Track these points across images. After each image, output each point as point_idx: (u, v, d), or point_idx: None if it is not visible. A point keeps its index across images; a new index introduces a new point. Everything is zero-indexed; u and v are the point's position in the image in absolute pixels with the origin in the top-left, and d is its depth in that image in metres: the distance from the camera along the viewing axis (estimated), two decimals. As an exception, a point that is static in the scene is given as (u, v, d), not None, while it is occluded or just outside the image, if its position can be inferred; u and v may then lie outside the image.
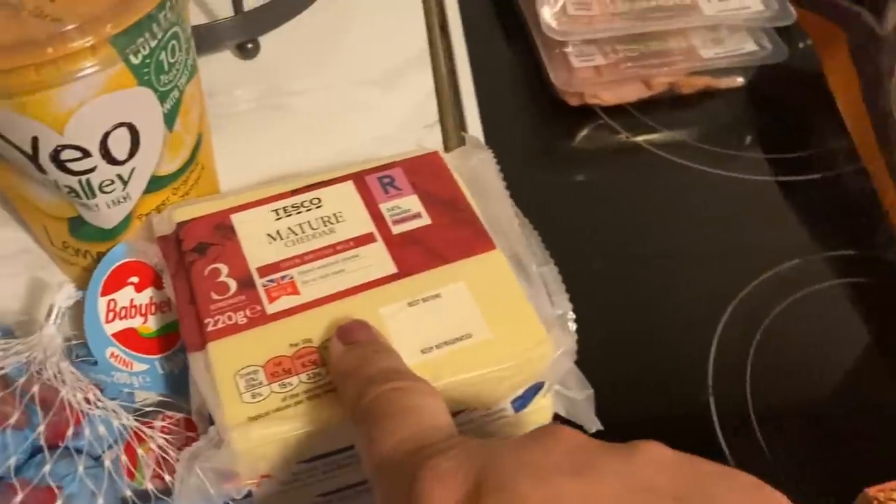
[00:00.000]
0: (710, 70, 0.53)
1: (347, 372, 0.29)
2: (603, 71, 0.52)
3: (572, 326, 0.36)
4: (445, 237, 0.35)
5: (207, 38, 0.49)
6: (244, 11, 0.49)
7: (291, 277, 0.34)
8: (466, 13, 0.58)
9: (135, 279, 0.36)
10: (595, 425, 0.35)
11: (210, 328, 0.32)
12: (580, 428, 0.34)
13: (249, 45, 0.50)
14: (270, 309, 0.33)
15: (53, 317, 0.30)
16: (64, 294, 0.31)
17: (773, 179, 0.51)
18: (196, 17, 0.50)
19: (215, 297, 0.33)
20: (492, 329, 0.33)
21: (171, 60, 0.32)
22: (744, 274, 0.46)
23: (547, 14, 0.51)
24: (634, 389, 0.41)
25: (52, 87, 0.29)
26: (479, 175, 0.39)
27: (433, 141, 0.47)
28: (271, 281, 0.34)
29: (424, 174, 0.38)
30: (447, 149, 0.47)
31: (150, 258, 0.36)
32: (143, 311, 0.36)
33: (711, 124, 0.54)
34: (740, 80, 0.55)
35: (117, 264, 0.36)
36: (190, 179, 0.37)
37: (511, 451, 0.23)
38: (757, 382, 0.42)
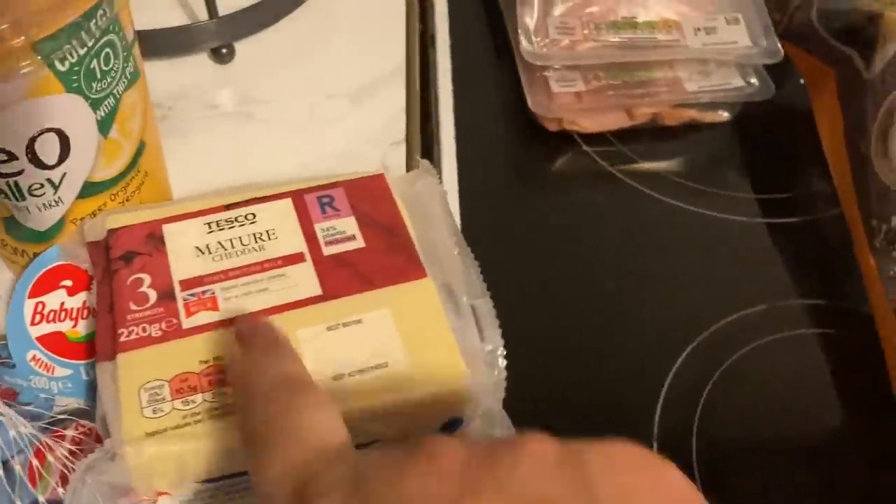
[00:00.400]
0: (695, 103, 0.52)
1: (238, 380, 0.29)
2: (584, 97, 0.51)
3: (502, 363, 0.35)
4: (377, 262, 0.35)
5: (182, 40, 0.49)
6: (221, 15, 0.49)
7: (213, 293, 0.33)
8: (456, 28, 0.58)
9: (68, 283, 0.36)
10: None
11: (123, 338, 0.32)
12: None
13: (224, 50, 0.50)
14: (186, 323, 0.32)
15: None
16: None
17: (751, 220, 0.49)
18: (174, 19, 0.50)
19: (133, 307, 0.33)
20: (410, 359, 0.32)
21: (105, 68, 0.32)
22: (707, 316, 0.44)
23: (526, 37, 0.50)
24: (574, 429, 0.40)
25: (-27, 89, 0.29)
26: (422, 200, 0.38)
27: (398, 159, 0.46)
28: (192, 295, 0.33)
29: (366, 196, 0.37)
30: (409, 167, 0.46)
31: (83, 262, 0.36)
32: (74, 315, 0.36)
33: (692, 159, 0.52)
34: (726, 115, 0.53)
35: (49, 267, 0.36)
36: (130, 186, 0.37)
37: (390, 481, 0.22)
38: (705, 429, 0.40)
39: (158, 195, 0.40)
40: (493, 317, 0.35)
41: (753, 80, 0.51)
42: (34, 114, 0.31)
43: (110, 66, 0.33)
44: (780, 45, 0.50)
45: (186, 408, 0.30)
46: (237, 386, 0.29)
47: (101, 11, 0.31)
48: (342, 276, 0.34)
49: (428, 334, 0.33)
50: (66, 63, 0.30)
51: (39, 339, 0.35)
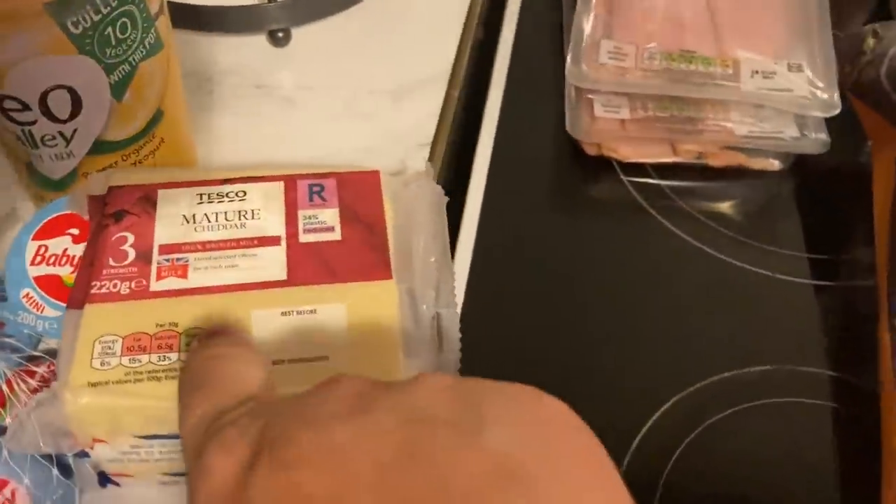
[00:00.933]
0: (744, 147, 0.50)
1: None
2: (627, 125, 0.50)
3: (455, 373, 0.35)
4: (347, 257, 0.35)
5: (242, 20, 0.51)
6: (284, 0, 0.51)
7: (186, 261, 0.35)
8: (521, 39, 0.58)
9: (74, 231, 0.39)
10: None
11: (94, 290, 0.34)
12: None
13: (281, 34, 0.52)
14: (154, 286, 0.34)
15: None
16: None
17: (780, 277, 0.47)
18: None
19: (111, 263, 0.35)
20: (350, 358, 0.32)
21: (121, 36, 0.34)
22: (703, 368, 0.43)
23: (574, 57, 0.49)
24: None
25: (-10, 41, 0.32)
26: (411, 204, 0.38)
27: (419, 161, 0.47)
28: (167, 260, 0.35)
29: (355, 191, 0.38)
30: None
31: (87, 214, 0.38)
32: (75, 263, 0.38)
33: (733, 205, 0.50)
34: (776, 164, 0.51)
35: (57, 214, 0.38)
36: (143, 150, 0.39)
37: (290, 406, 0.23)
38: (672, 482, 0.39)
39: (178, 162, 0.42)
40: (456, 327, 0.35)
41: (810, 132, 0.49)
42: (47, 70, 0.33)
43: (127, 34, 0.34)
44: (838, 99, 0.47)
45: (131, 366, 0.32)
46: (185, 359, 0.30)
47: (117, -19, 0.33)
48: (310, 266, 0.35)
49: (376, 337, 0.33)
50: (80, 27, 0.32)
51: (36, 278, 0.38)
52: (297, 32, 0.52)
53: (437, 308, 0.36)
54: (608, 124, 0.50)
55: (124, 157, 0.39)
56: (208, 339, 0.29)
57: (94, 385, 0.31)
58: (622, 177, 0.51)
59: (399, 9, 0.55)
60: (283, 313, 0.34)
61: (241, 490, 0.21)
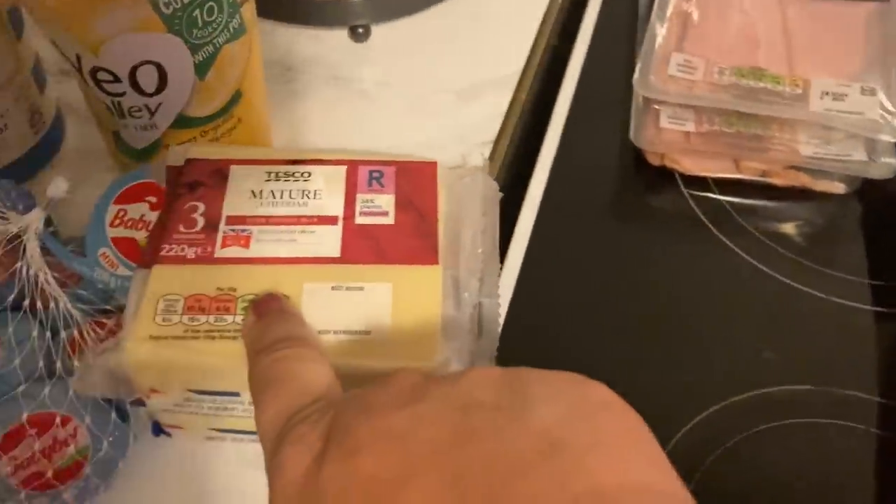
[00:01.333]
0: (809, 168, 0.50)
1: (249, 343, 0.32)
2: (692, 138, 0.50)
3: (492, 360, 0.36)
4: (398, 240, 0.37)
5: (326, 14, 0.54)
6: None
7: (249, 233, 0.37)
8: (596, 45, 0.59)
9: (152, 198, 0.42)
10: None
11: (163, 252, 0.36)
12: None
13: (361, 30, 0.54)
14: (219, 253, 0.36)
15: (43, 204, 0.36)
16: (54, 186, 0.36)
17: (836, 300, 0.46)
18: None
19: (182, 228, 0.37)
20: (392, 334, 0.34)
21: (207, 19, 0.37)
22: (741, 384, 0.43)
23: (643, 67, 0.50)
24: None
25: (91, 16, 0.34)
26: (464, 195, 0.40)
27: (479, 157, 0.48)
28: (232, 230, 0.37)
29: (413, 179, 0.40)
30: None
31: (165, 183, 0.41)
32: (150, 228, 0.41)
33: (793, 226, 0.50)
34: (841, 187, 0.50)
35: (138, 181, 0.41)
36: (221, 128, 0.42)
37: (354, 400, 0.26)
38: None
39: (252, 142, 0.45)
40: (496, 317, 0.37)
41: (879, 157, 0.48)
42: (138, 45, 0.36)
43: (213, 17, 0.37)
44: (910, 126, 0.46)
45: (191, 324, 0.34)
46: (247, 345, 0.33)
47: (208, -32, 0.35)
48: (362, 246, 0.37)
49: (417, 316, 0.35)
50: (171, 7, 0.35)
51: (114, 239, 0.40)
52: (377, 29, 0.55)
53: (479, 297, 0.37)
54: (673, 136, 0.50)
55: (203, 133, 0.42)
56: (277, 341, 0.31)
57: (154, 338, 0.33)
58: (683, 189, 0.51)
59: (477, 10, 0.57)
60: (333, 287, 0.35)
61: (313, 480, 0.23)
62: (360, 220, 0.38)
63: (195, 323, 0.34)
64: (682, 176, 0.51)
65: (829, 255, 0.48)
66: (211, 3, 0.37)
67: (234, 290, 0.35)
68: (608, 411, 0.24)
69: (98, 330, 0.37)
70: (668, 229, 0.50)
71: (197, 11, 0.36)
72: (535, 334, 0.44)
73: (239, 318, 0.34)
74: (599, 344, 0.45)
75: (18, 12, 0.43)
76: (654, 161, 0.51)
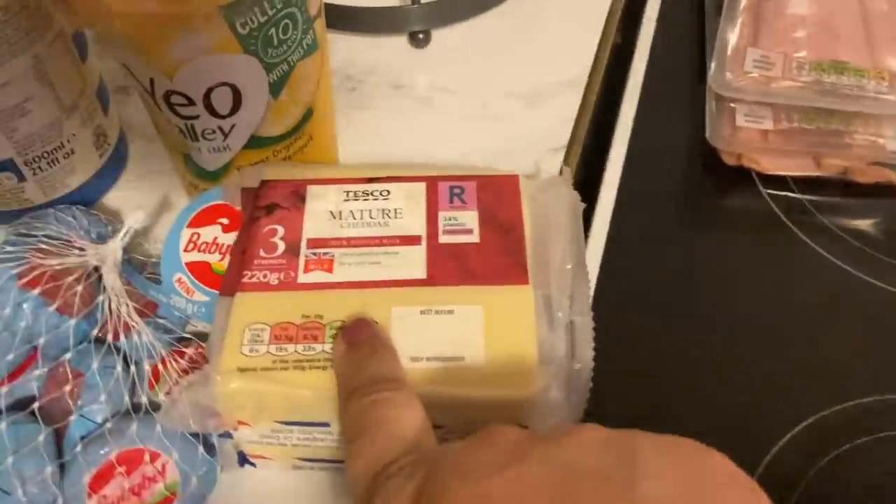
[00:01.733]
0: (894, 164, 0.48)
1: (341, 375, 0.32)
2: (770, 137, 0.49)
3: (587, 384, 0.35)
4: (485, 259, 0.36)
5: (385, 21, 0.52)
6: (425, 2, 0.52)
7: (332, 256, 0.36)
8: (659, 43, 0.57)
9: (224, 220, 0.41)
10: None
11: (245, 279, 0.35)
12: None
13: (421, 35, 0.52)
14: (302, 279, 0.35)
15: (121, 234, 0.35)
16: (134, 218, 0.35)
17: (930, 303, 0.44)
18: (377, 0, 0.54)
19: (262, 253, 0.36)
20: (486, 359, 0.33)
21: (283, 37, 0.36)
22: (832, 395, 0.41)
23: (718, 65, 0.48)
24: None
25: (166, 40, 0.33)
26: (548, 210, 0.38)
27: (552, 165, 0.47)
28: (314, 254, 0.36)
29: (495, 194, 0.38)
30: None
31: (239, 205, 0.40)
32: (224, 251, 0.40)
33: (877, 224, 0.48)
34: (930, 184, 0.48)
35: (210, 204, 0.40)
36: (293, 146, 0.41)
37: (448, 457, 0.25)
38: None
39: (322, 158, 0.44)
40: (589, 337, 0.35)
41: (970, 153, 0.46)
42: (213, 68, 0.35)
43: (288, 35, 0.36)
44: None
45: (278, 354, 0.33)
46: (339, 379, 0.32)
47: (284, -15, 0.34)
48: (449, 266, 0.36)
49: (512, 340, 0.33)
50: (247, 28, 0.34)
51: (188, 264, 0.40)
52: (436, 34, 0.53)
53: (571, 315, 0.36)
54: (750, 134, 0.48)
55: (276, 153, 0.40)
56: (371, 381, 0.30)
57: (242, 370, 0.33)
58: (761, 188, 0.49)
59: (537, 12, 0.55)
60: (422, 312, 0.34)
61: None
62: (443, 238, 0.37)
63: (283, 353, 0.33)
64: (760, 175, 0.50)
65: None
66: (286, 21, 0.35)
67: (321, 316, 0.34)
68: (733, 487, 0.22)
69: (179, 359, 0.36)
70: (748, 230, 0.48)
71: (273, 30, 0.35)
72: (614, 341, 0.42)
73: (328, 347, 0.33)
74: (681, 352, 0.43)
75: (82, 33, 0.42)
76: (730, 161, 0.50)
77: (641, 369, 0.42)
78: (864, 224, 0.48)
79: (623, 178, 0.49)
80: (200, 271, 0.40)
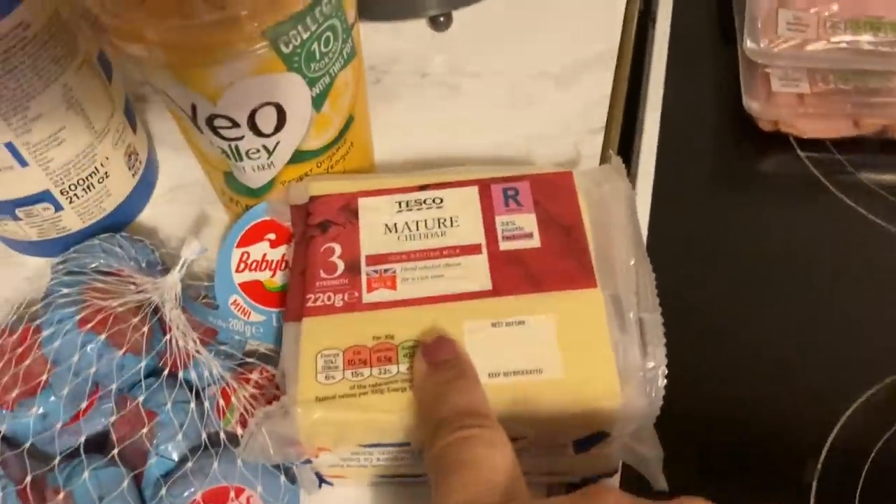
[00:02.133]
0: (935, 119, 0.47)
1: (424, 402, 0.31)
2: (807, 100, 0.48)
3: (661, 382, 0.34)
4: (549, 264, 0.35)
5: (404, 6, 0.51)
6: (444, -16, 0.50)
7: (394, 272, 0.36)
8: (680, 9, 0.55)
9: (272, 236, 0.40)
10: (660, 485, 0.34)
11: (310, 304, 0.35)
12: (646, 482, 0.34)
13: (442, 18, 0.51)
14: (366, 298, 0.35)
15: (178, 267, 0.34)
16: (191, 249, 0.34)
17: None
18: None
19: (323, 275, 0.36)
20: (565, 370, 0.32)
21: (324, 50, 0.34)
22: (889, 362, 0.41)
23: (751, 32, 0.47)
24: (722, 462, 0.39)
25: (209, 65, 0.32)
26: (606, 204, 0.37)
27: (593, 148, 0.46)
28: (375, 271, 0.36)
29: (550, 193, 0.38)
30: (603, 158, 0.46)
31: (286, 220, 0.39)
32: (273, 267, 0.40)
33: (922, 181, 0.48)
34: (970, 138, 0.47)
35: (256, 221, 0.40)
36: (335, 156, 0.40)
37: None
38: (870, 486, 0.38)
39: (361, 162, 0.43)
40: (660, 333, 0.35)
41: None
42: (258, 89, 0.34)
43: (329, 47, 0.35)
44: None
45: (355, 379, 0.33)
46: (422, 404, 0.31)
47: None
48: (513, 274, 0.35)
49: (588, 348, 0.33)
50: (290, 46, 0.33)
51: (241, 285, 0.39)
52: (457, 15, 0.52)
53: (639, 313, 0.35)
54: (787, 99, 0.48)
55: (319, 164, 0.39)
56: (460, 414, 0.29)
57: (321, 399, 0.32)
58: (799, 153, 0.49)
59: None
60: (493, 325, 0.34)
61: None
62: (504, 245, 0.36)
63: (359, 378, 0.33)
64: (798, 139, 0.49)
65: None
66: (328, 34, 0.34)
67: (392, 337, 0.34)
68: None
69: (245, 385, 0.36)
70: (788, 194, 0.48)
71: (315, 44, 0.34)
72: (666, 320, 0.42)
73: (403, 368, 0.33)
74: (734, 322, 0.43)
75: (105, 55, 0.40)
76: (767, 127, 0.49)
77: (693, 343, 0.42)
78: (905, 181, 0.48)
79: (659, 150, 0.48)
80: (254, 291, 0.39)
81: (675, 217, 0.46)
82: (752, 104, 0.48)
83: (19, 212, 0.40)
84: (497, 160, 0.45)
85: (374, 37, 0.51)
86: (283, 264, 0.40)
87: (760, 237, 0.46)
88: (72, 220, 0.42)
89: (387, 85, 0.50)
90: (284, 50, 0.33)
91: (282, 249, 0.40)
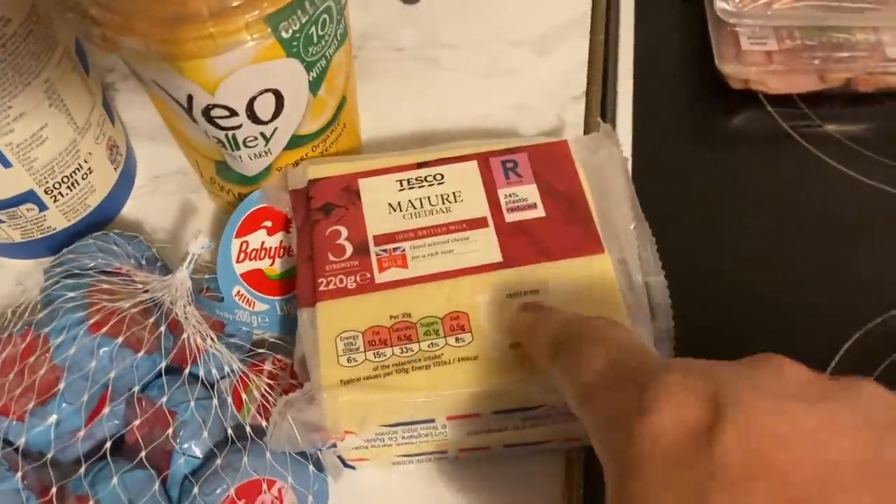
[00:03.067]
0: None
1: (534, 324, 0.31)
2: (775, 57, 0.49)
3: (670, 344, 0.36)
4: (555, 232, 0.36)
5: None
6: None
7: (403, 250, 0.36)
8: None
9: (268, 223, 0.40)
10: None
11: (322, 288, 0.35)
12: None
13: (412, -8, 0.51)
14: (379, 278, 0.35)
15: (186, 263, 0.34)
16: (198, 243, 0.34)
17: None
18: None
19: (332, 258, 0.36)
20: (583, 336, 0.33)
21: (321, 33, 0.34)
22: (872, 306, 0.43)
23: (718, -8, 0.48)
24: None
25: (207, 56, 0.31)
26: (603, 171, 0.38)
27: (576, 115, 0.46)
28: (384, 251, 0.36)
29: (548, 163, 0.38)
30: (587, 125, 0.46)
31: (283, 206, 0.39)
32: (272, 254, 0.39)
33: (884, 128, 0.49)
34: (930, 85, 0.50)
35: (253, 209, 0.39)
36: (330, 138, 0.39)
37: (738, 376, 0.23)
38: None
39: (352, 143, 0.42)
40: (665, 296, 0.36)
41: (968, 49, 0.48)
42: (256, 77, 0.33)
43: (325, 30, 0.34)
44: None
45: (377, 360, 0.33)
46: (535, 326, 0.31)
47: (323, -19, 0.32)
48: (521, 245, 0.36)
49: (602, 312, 0.34)
50: (290, 31, 0.32)
51: (243, 275, 0.39)
52: (426, -12, 0.51)
53: (644, 276, 0.36)
54: (756, 57, 0.49)
55: (314, 148, 0.39)
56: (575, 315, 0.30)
57: (346, 383, 0.32)
58: (769, 108, 0.50)
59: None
60: (509, 296, 0.34)
61: (704, 449, 0.21)
62: (510, 216, 0.37)
63: (382, 358, 0.33)
64: (767, 95, 0.50)
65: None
66: (324, 16, 0.34)
67: (409, 315, 0.34)
68: None
69: (259, 375, 0.36)
70: (764, 151, 0.49)
71: (313, 28, 0.33)
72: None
73: (424, 345, 0.33)
74: (720, 271, 0.44)
75: (82, 46, 0.39)
76: (737, 85, 0.50)
77: (687, 297, 0.43)
78: (869, 130, 0.49)
79: (634, 114, 0.49)
80: (256, 280, 0.39)
81: (654, 179, 0.47)
82: (723, 65, 0.49)
83: (2, 214, 0.39)
84: (486, 132, 0.45)
85: (345, 13, 0.51)
86: (282, 251, 0.39)
87: (737, 192, 0.47)
88: (56, 220, 0.40)
89: (363, 61, 0.49)
90: (284, 35, 0.32)
91: (279, 236, 0.40)
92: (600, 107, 0.49)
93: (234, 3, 0.30)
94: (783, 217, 0.46)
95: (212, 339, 0.34)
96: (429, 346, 0.33)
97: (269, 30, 0.31)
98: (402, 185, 0.38)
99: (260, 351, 0.37)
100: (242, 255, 0.39)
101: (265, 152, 0.37)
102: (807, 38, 0.49)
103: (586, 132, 0.46)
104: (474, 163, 0.38)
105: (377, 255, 0.36)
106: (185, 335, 0.33)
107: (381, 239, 0.36)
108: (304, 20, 0.32)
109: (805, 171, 0.48)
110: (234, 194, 0.41)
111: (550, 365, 0.29)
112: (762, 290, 0.44)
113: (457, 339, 0.33)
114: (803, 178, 0.48)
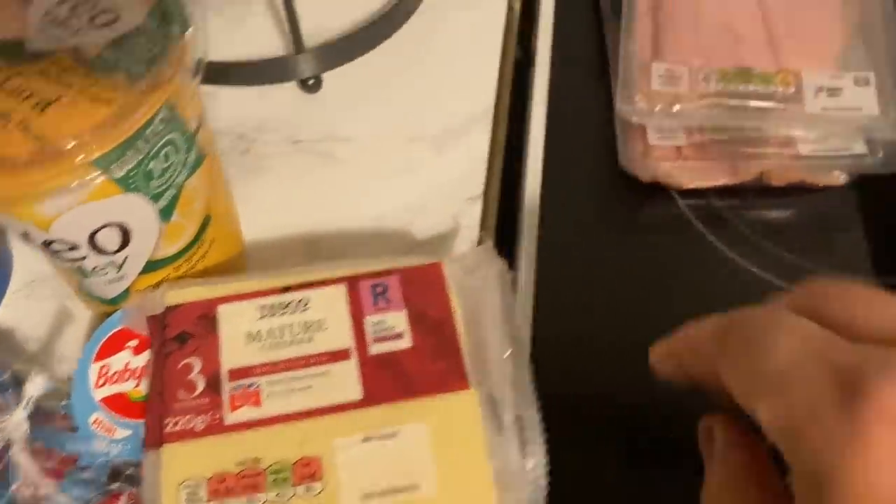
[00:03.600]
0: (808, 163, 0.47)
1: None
2: (684, 152, 0.48)
3: (542, 481, 0.34)
4: (421, 366, 0.34)
5: (271, 72, 0.49)
6: (312, 47, 0.48)
7: (258, 386, 0.34)
8: (558, 55, 0.55)
9: (133, 343, 0.38)
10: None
11: (168, 429, 0.33)
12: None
13: (311, 81, 0.49)
14: (229, 419, 0.33)
15: (23, 405, 0.32)
16: (35, 385, 0.32)
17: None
18: (266, 47, 0.50)
19: (181, 395, 0.34)
20: (440, 485, 0.32)
21: (164, 166, 0.32)
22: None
23: (624, 90, 0.47)
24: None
25: (33, 201, 0.30)
26: (478, 295, 0.37)
27: (472, 217, 0.45)
28: (238, 387, 0.34)
29: (420, 287, 0.36)
30: (483, 225, 0.45)
31: (143, 330, 0.37)
32: (138, 375, 0.38)
33: (798, 226, 0.48)
34: (842, 178, 0.48)
35: (114, 331, 0.37)
36: (195, 257, 0.38)
37: None
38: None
39: (226, 254, 0.41)
40: (538, 430, 0.34)
41: (879, 150, 0.46)
42: (94, 213, 0.32)
43: (169, 162, 0.33)
44: (912, 117, 0.44)
45: (219, 511, 0.31)
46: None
47: (159, 117, 0.31)
48: (384, 379, 0.34)
49: (463, 458, 0.32)
50: (124, 169, 0.31)
51: (104, 400, 0.37)
52: (328, 77, 0.50)
53: (516, 410, 0.34)
54: (664, 153, 0.47)
55: (176, 268, 0.37)
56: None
57: (184, 538, 0.31)
58: (679, 202, 0.49)
59: (429, 45, 0.52)
60: (365, 439, 0.33)
61: None
62: (374, 348, 0.35)
63: (224, 510, 0.31)
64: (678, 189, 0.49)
65: (838, 252, 0.47)
66: (166, 149, 0.32)
67: (258, 460, 0.32)
68: None
69: (109, 515, 0.34)
70: (674, 249, 0.47)
71: (152, 163, 0.32)
72: (560, 370, 0.42)
73: (272, 495, 0.31)
74: (619, 374, 0.43)
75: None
76: (647, 178, 0.49)
77: (582, 392, 0.41)
78: (783, 227, 0.48)
79: (542, 213, 0.48)
80: (119, 404, 0.37)
81: (559, 269, 0.46)
82: (627, 160, 0.47)
83: None
84: (377, 234, 0.44)
85: (243, 101, 0.49)
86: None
87: (637, 284, 0.46)
88: (-85, 338, 0.39)
89: (256, 155, 0.47)
90: (118, 175, 0.31)
91: (146, 355, 0.38)
92: (503, 207, 0.48)
93: (58, 148, 0.29)
94: (686, 310, 0.45)
95: (47, 493, 0.32)
96: (276, 496, 0.31)
97: (100, 171, 0.30)
98: (263, 312, 0.36)
99: (113, 487, 0.35)
100: (103, 380, 0.37)
101: (119, 278, 0.36)
102: (716, 134, 0.47)
103: (480, 239, 0.44)
104: (343, 287, 0.37)
105: (230, 391, 0.34)
106: (13, 486, 0.31)
107: (236, 374, 0.34)
108: (139, 158, 0.31)
109: (706, 265, 0.46)
110: (100, 308, 0.39)
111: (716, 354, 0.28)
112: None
113: (307, 489, 0.32)
114: (705, 271, 0.46)
